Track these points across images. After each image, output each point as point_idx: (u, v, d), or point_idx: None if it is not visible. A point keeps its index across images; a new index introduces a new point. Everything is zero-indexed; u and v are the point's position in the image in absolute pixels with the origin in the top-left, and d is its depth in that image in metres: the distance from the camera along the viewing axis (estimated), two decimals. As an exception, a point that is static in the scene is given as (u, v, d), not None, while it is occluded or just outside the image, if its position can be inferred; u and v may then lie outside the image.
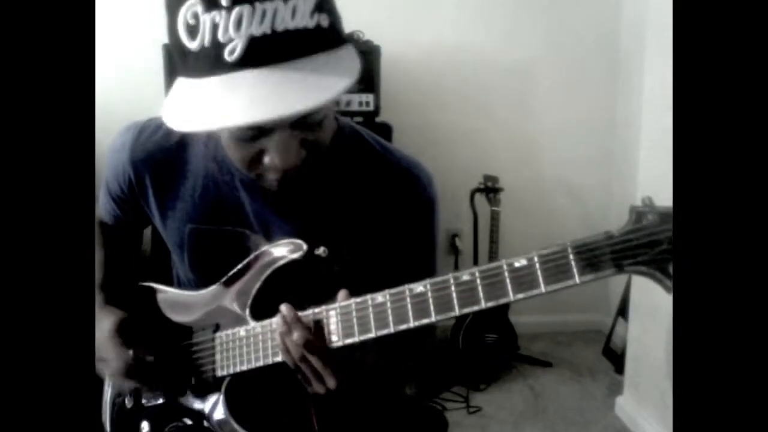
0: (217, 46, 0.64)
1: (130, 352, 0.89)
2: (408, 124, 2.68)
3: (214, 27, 0.64)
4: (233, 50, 0.64)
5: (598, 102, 2.99)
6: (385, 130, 2.42)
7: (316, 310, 0.79)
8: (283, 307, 0.79)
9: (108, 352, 0.89)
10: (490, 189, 2.64)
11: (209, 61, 0.65)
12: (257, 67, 0.64)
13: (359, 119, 2.35)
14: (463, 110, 2.92)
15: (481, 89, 2.91)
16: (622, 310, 2.64)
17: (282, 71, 0.65)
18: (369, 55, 2.37)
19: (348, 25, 0.80)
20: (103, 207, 1.03)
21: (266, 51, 0.64)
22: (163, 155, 0.92)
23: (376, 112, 2.40)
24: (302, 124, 0.73)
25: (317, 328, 0.77)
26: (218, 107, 0.65)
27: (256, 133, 0.73)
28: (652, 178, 2.07)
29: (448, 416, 2.35)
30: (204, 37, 0.65)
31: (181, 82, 0.71)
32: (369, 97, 2.39)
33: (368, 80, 2.38)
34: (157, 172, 0.93)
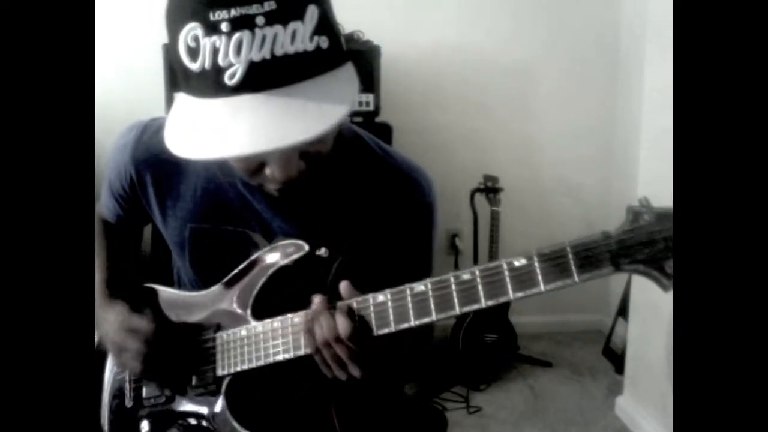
0: (217, 70, 0.65)
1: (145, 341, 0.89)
2: (408, 124, 2.68)
3: (215, 51, 0.64)
4: (233, 75, 0.64)
5: (598, 102, 2.99)
6: (385, 130, 2.42)
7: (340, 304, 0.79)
8: (318, 298, 0.79)
9: (126, 340, 0.89)
10: (490, 189, 2.64)
11: (210, 84, 0.66)
12: (257, 92, 0.65)
13: (359, 119, 2.36)
14: (463, 110, 2.92)
15: (481, 89, 2.91)
16: (622, 310, 2.64)
17: (282, 96, 0.65)
18: (369, 55, 2.36)
19: (348, 25, 0.80)
20: (106, 205, 1.03)
21: (266, 76, 0.65)
22: (164, 155, 0.92)
23: (376, 112, 2.40)
24: None
25: (360, 317, 0.77)
26: (219, 136, 0.65)
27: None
28: (652, 178, 2.07)
29: (448, 416, 2.34)
30: (204, 60, 0.65)
31: (183, 99, 0.71)
32: (369, 97, 2.39)
33: (368, 80, 2.38)
34: (159, 172, 0.93)
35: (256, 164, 0.77)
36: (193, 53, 0.66)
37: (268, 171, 0.76)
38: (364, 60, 2.35)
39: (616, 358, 2.68)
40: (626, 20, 2.91)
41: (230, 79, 0.64)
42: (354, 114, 2.34)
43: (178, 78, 0.71)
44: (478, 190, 2.69)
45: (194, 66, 0.66)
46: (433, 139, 2.88)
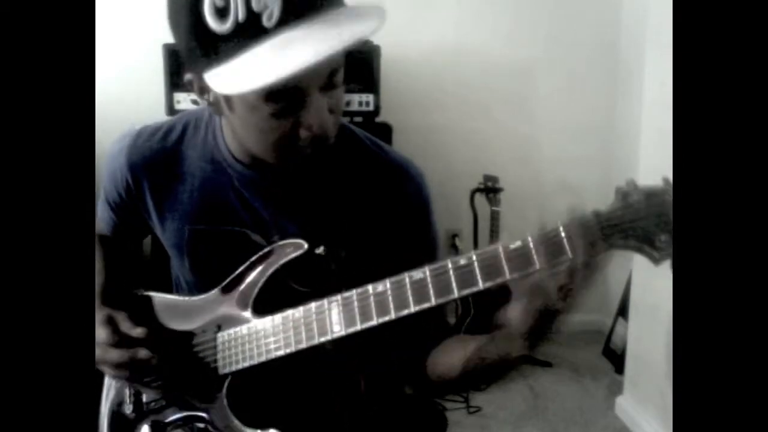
0: (254, 17, 0.67)
1: (123, 336, 0.88)
2: (408, 124, 2.68)
3: (247, 0, 0.67)
4: (271, 15, 0.67)
5: (598, 102, 2.99)
6: (385, 130, 2.42)
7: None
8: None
9: (102, 342, 0.88)
10: (490, 189, 2.64)
11: (246, 35, 0.68)
12: (295, 25, 0.68)
13: (359, 119, 2.36)
14: (463, 110, 2.92)
15: (482, 89, 2.92)
16: (622, 310, 2.64)
17: (319, 23, 0.68)
18: (369, 55, 2.37)
19: (348, 25, 0.82)
20: (101, 218, 1.03)
21: (300, 7, 0.68)
22: (159, 159, 0.93)
23: (376, 112, 2.40)
24: (329, 85, 0.77)
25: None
26: (271, 63, 0.67)
27: (291, 103, 0.75)
28: (652, 178, 2.06)
29: (448, 416, 2.35)
30: (237, 13, 0.67)
31: (215, 72, 0.72)
32: (369, 97, 2.39)
33: (368, 80, 2.38)
34: (155, 176, 0.94)
35: (290, 127, 0.77)
36: (222, 12, 0.68)
37: (303, 131, 0.77)
38: (364, 60, 2.35)
39: (616, 358, 2.68)
40: (626, 20, 2.91)
41: (269, 20, 0.67)
42: (354, 114, 2.35)
43: (199, 58, 0.72)
44: (478, 190, 2.69)
45: (225, 26, 0.68)
46: (433, 139, 2.88)
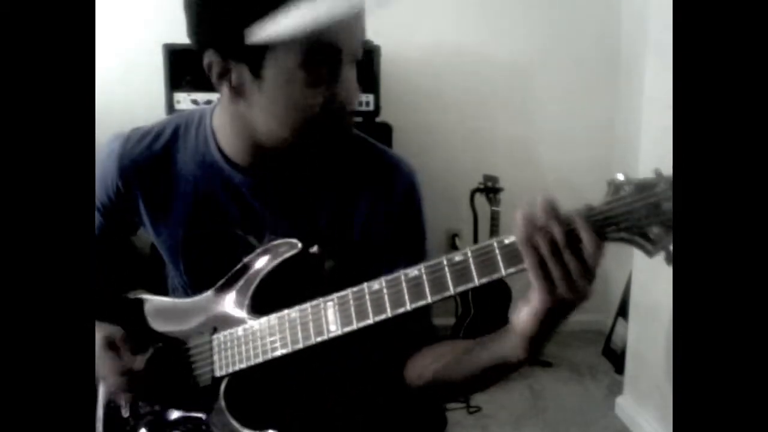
0: None
1: (125, 361, 0.89)
2: (408, 124, 2.68)
3: None
4: None
5: (598, 102, 2.99)
6: (385, 130, 2.42)
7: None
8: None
9: (105, 368, 0.89)
10: (490, 189, 2.64)
11: None
12: None
13: (359, 119, 2.35)
14: (463, 110, 2.92)
15: (482, 89, 2.92)
16: (622, 310, 2.64)
17: None
18: (369, 55, 2.37)
19: (348, 26, 0.82)
20: None
21: None
22: (151, 162, 0.93)
23: (376, 112, 2.40)
24: (357, 58, 0.84)
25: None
26: (308, 13, 0.72)
27: (327, 69, 0.80)
28: (652, 178, 2.07)
29: (448, 416, 2.35)
30: None
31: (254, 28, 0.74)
32: (369, 97, 2.39)
33: (368, 80, 2.38)
34: (146, 180, 0.93)
35: (328, 96, 0.81)
36: None
37: (339, 99, 0.82)
38: (364, 60, 2.35)
39: (616, 358, 2.68)
40: (626, 20, 2.91)
41: None
42: (354, 114, 2.34)
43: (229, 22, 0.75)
44: (478, 190, 2.69)
45: None
46: (433, 139, 2.88)
